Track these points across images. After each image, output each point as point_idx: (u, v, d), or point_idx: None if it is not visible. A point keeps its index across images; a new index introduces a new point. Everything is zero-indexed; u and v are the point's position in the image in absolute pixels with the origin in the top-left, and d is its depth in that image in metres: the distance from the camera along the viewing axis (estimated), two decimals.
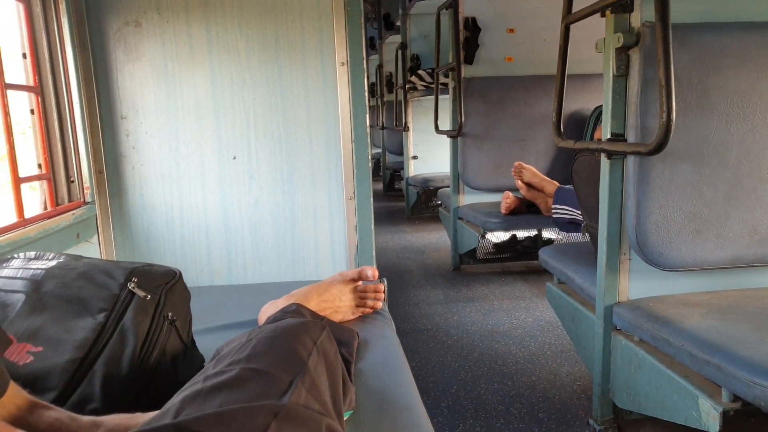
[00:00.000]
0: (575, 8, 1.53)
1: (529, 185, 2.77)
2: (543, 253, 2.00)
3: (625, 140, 1.38)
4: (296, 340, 0.74)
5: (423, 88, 4.81)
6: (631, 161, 1.37)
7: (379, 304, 1.31)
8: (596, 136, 2.71)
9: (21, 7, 1.40)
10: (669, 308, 1.32)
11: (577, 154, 1.86)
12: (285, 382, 0.63)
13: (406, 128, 4.97)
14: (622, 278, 1.46)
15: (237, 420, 0.54)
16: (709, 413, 1.11)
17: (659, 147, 1.18)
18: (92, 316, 0.82)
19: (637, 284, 1.46)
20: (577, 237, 2.76)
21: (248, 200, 1.67)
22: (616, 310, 1.44)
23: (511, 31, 3.20)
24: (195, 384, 0.64)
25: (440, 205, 3.72)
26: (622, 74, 1.37)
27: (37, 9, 1.44)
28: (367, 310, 1.29)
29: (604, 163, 1.44)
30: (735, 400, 1.08)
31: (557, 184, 2.69)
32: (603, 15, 1.40)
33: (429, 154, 5.00)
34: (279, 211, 1.68)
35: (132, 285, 0.86)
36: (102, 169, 1.61)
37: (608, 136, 1.40)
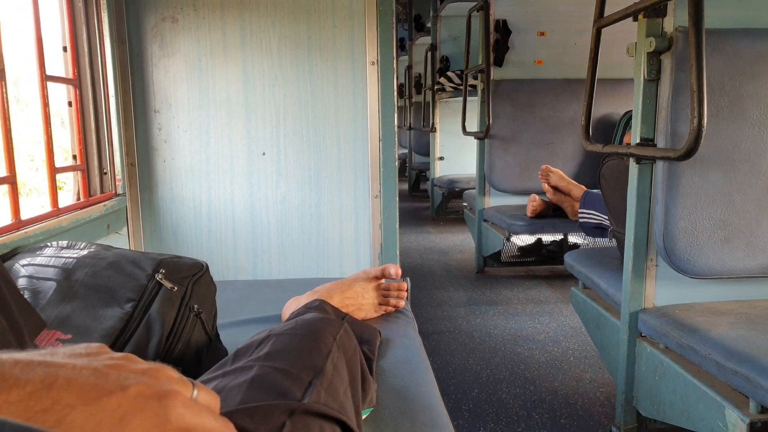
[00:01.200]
0: (607, 12, 1.52)
1: (555, 189, 2.75)
2: (569, 258, 1.98)
3: (655, 145, 1.36)
4: (316, 337, 0.75)
5: (451, 89, 4.80)
6: (660, 166, 1.34)
7: (402, 303, 1.31)
8: (625, 140, 2.67)
9: (64, 1, 1.45)
10: (696, 316, 1.29)
11: (605, 159, 1.83)
12: (304, 381, 0.63)
13: (433, 129, 4.96)
14: (648, 284, 1.44)
15: (253, 417, 0.55)
16: (736, 424, 1.08)
17: (689, 153, 1.16)
18: (120, 306, 0.84)
19: (663, 291, 1.44)
20: (603, 242, 2.73)
21: (275, 196, 1.69)
22: (641, 317, 1.42)
23: (542, 34, 3.18)
24: (212, 379, 0.65)
25: (465, 206, 3.71)
26: (653, 79, 1.35)
27: (79, 3, 1.48)
28: (390, 308, 1.29)
29: (633, 167, 1.42)
30: (762, 412, 1.05)
31: (584, 188, 2.66)
32: (635, 19, 1.38)
33: (455, 156, 4.98)
34: (305, 207, 1.70)
35: (159, 276, 0.88)
36: (134, 162, 1.65)
37: (638, 141, 1.39)
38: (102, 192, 1.57)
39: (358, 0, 1.63)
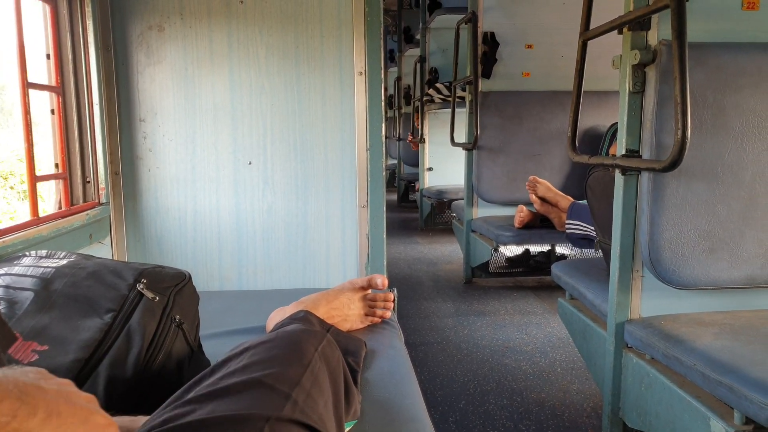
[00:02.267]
0: (593, 25, 1.53)
1: (543, 200, 2.76)
2: (555, 269, 1.98)
3: (640, 156, 1.37)
4: (296, 349, 0.74)
5: (440, 101, 4.83)
6: (645, 178, 1.35)
7: (388, 314, 1.30)
8: (611, 152, 2.69)
9: (48, 8, 1.43)
10: (681, 327, 1.30)
11: (591, 170, 1.84)
12: (281, 393, 0.63)
13: (422, 140, 4.98)
14: (634, 295, 1.44)
15: (226, 426, 0.54)
16: None
17: (674, 164, 1.17)
18: (99, 316, 0.82)
19: (649, 302, 1.44)
20: (590, 253, 2.74)
21: (262, 206, 1.68)
22: (627, 328, 1.42)
23: (530, 46, 3.21)
24: (191, 390, 0.64)
25: (454, 217, 3.72)
26: (638, 91, 1.36)
27: (64, 11, 1.47)
28: (376, 319, 1.28)
29: (619, 179, 1.42)
30: (747, 423, 1.05)
31: (571, 199, 2.67)
32: (620, 32, 1.40)
33: (444, 167, 5.00)
34: (292, 217, 1.69)
35: (141, 286, 0.87)
36: (118, 171, 1.64)
37: (623, 152, 1.40)
38: (85, 201, 1.55)
39: (346, 10, 1.63)
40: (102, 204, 1.59)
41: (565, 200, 2.69)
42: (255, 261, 1.69)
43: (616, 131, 2.93)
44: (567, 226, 2.54)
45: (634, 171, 1.38)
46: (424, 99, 4.85)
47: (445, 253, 4.12)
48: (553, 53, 3.19)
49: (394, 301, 1.48)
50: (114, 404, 0.75)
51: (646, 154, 1.35)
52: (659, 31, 1.32)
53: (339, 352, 0.86)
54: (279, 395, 0.63)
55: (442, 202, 4.79)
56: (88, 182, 1.54)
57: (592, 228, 2.38)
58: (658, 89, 1.30)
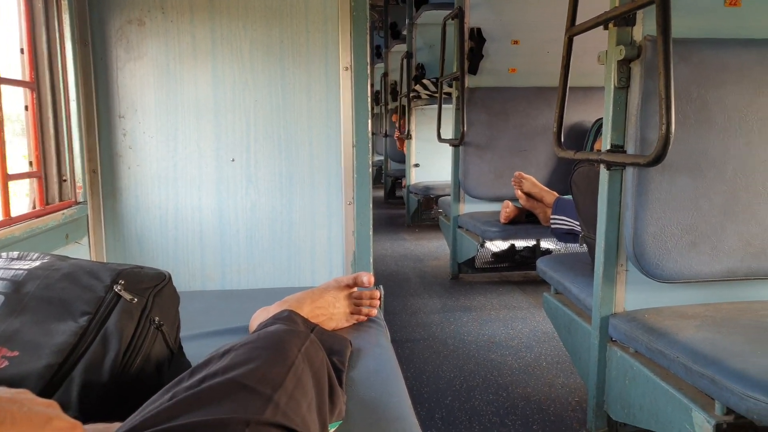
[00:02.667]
0: (579, 21, 1.53)
1: (528, 195, 2.77)
2: (541, 263, 1.98)
3: (625, 152, 1.37)
4: (279, 349, 0.72)
5: (427, 97, 4.82)
6: (629, 173, 1.36)
7: (374, 312, 1.29)
8: (596, 147, 2.70)
9: (22, 2, 1.40)
10: (664, 320, 1.30)
11: (576, 165, 1.85)
12: (263, 395, 0.61)
13: (408, 136, 4.97)
14: (618, 289, 1.45)
15: (207, 431, 0.53)
16: (702, 426, 1.09)
17: (658, 159, 1.17)
18: (74, 320, 0.80)
19: (633, 295, 1.45)
20: (575, 248, 2.75)
21: (245, 204, 1.66)
22: (611, 322, 1.43)
23: (516, 42, 3.21)
24: (169, 392, 0.62)
25: (441, 213, 3.71)
26: (623, 86, 1.36)
27: (39, 5, 1.43)
28: (362, 317, 1.27)
29: (603, 174, 1.43)
30: (728, 413, 1.07)
31: (556, 194, 2.68)
32: (606, 28, 1.40)
33: (430, 163, 4.99)
34: (276, 215, 1.67)
35: (118, 287, 0.84)
36: (96, 169, 1.60)
37: (608, 147, 1.40)
38: (61, 200, 1.51)
39: (332, 5, 1.61)
40: (79, 203, 1.55)
41: (550, 195, 2.69)
42: (238, 260, 1.67)
43: (601, 127, 2.94)
44: (552, 221, 2.55)
45: (619, 166, 1.38)
46: (411, 95, 4.84)
47: (432, 249, 4.12)
48: (539, 49, 3.19)
49: (380, 299, 1.47)
50: (89, 410, 0.73)
51: (630, 149, 1.35)
52: (644, 27, 1.32)
53: (323, 353, 0.85)
54: (260, 398, 0.61)
55: (429, 199, 4.78)
56: (65, 181, 1.51)
57: (577, 223, 2.39)
58: (643, 85, 1.30)
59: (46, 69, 1.45)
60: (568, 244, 2.69)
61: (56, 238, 1.42)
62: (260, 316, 1.20)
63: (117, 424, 0.63)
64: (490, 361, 2.12)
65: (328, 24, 1.62)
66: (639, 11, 1.31)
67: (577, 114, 3.01)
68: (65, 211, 1.45)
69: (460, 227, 3.19)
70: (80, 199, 1.56)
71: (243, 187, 1.66)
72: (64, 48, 1.49)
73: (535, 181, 2.77)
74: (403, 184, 5.59)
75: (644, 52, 1.30)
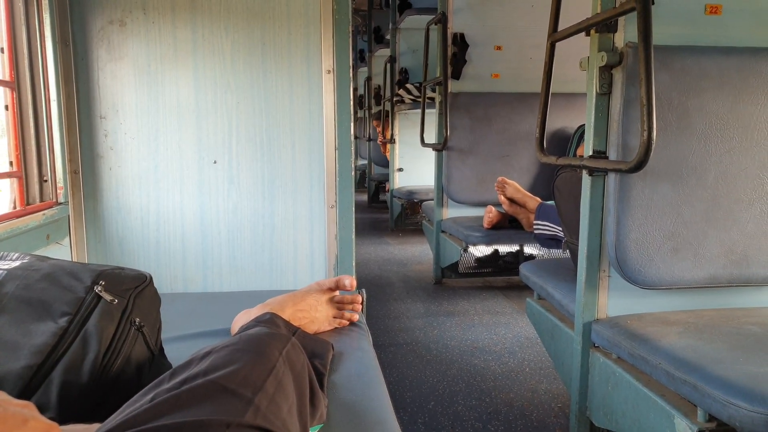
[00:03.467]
0: (561, 27, 1.55)
1: (511, 200, 2.78)
2: (524, 269, 2.00)
3: (607, 158, 1.38)
4: (259, 352, 0.72)
5: (410, 101, 4.83)
6: (611, 179, 1.37)
7: (356, 317, 1.29)
8: (579, 153, 2.73)
9: (1, 1, 1.37)
10: (647, 326, 1.32)
11: (558, 171, 1.86)
12: (243, 397, 0.61)
13: (392, 140, 4.98)
14: (601, 295, 1.46)
15: (191, 430, 0.52)
16: None
17: (640, 165, 1.18)
18: (54, 320, 0.78)
19: (615, 301, 1.46)
20: (558, 253, 2.77)
21: (227, 206, 1.64)
22: (594, 327, 1.44)
23: (499, 48, 3.24)
24: (149, 394, 0.61)
25: (424, 217, 3.72)
26: (605, 93, 1.38)
27: (19, 3, 1.41)
28: (344, 321, 1.27)
29: (586, 179, 1.44)
30: (710, 420, 1.07)
31: (539, 200, 2.70)
32: (588, 34, 1.41)
33: (414, 167, 5.01)
34: (258, 218, 1.66)
35: (99, 288, 0.83)
36: (78, 169, 1.58)
37: (590, 153, 1.41)
38: (42, 200, 1.49)
39: (314, 7, 1.61)
40: (60, 204, 1.52)
41: (533, 201, 2.71)
42: (220, 262, 1.65)
43: (583, 133, 2.98)
44: (535, 226, 2.57)
45: (601, 172, 1.40)
46: (395, 99, 4.85)
47: (416, 253, 4.12)
48: (522, 55, 3.23)
49: (363, 303, 1.46)
50: (68, 411, 0.71)
51: (612, 155, 1.36)
52: (625, 34, 1.34)
53: (304, 356, 0.84)
54: (241, 400, 0.61)
55: (412, 203, 4.79)
56: (46, 181, 1.48)
57: (560, 228, 2.41)
58: (625, 91, 1.32)
59: (26, 68, 1.42)
60: (551, 250, 2.71)
61: (37, 238, 1.39)
62: (242, 318, 1.19)
63: (96, 425, 0.62)
64: (473, 366, 2.12)
65: (310, 27, 1.62)
66: (620, 18, 1.32)
67: (560, 120, 3.05)
68: (46, 211, 1.43)
69: (443, 232, 3.20)
70: (61, 199, 1.53)
71: (225, 189, 1.64)
72: (45, 47, 1.46)
73: (518, 187, 2.78)
74: (386, 188, 5.60)
75: (626, 59, 1.32)
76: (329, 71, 1.63)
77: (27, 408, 0.48)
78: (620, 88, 1.33)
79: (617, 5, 1.30)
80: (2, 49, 1.37)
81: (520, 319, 2.63)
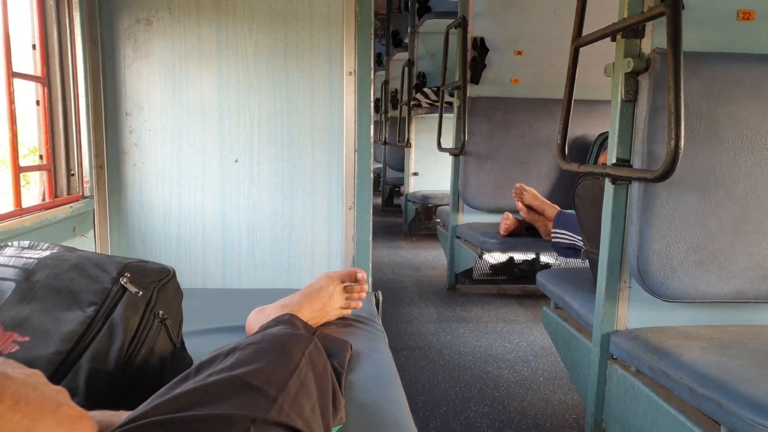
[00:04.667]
0: (585, 32, 1.53)
1: (529, 208, 2.76)
2: (541, 277, 1.98)
3: (631, 166, 1.37)
4: (283, 352, 0.72)
5: (427, 105, 4.83)
6: (635, 188, 1.35)
7: (360, 304, 1.30)
8: (601, 161, 2.71)
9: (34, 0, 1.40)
10: (668, 340, 1.30)
11: (580, 179, 1.85)
12: (268, 395, 0.62)
13: (408, 144, 4.98)
14: (621, 306, 1.44)
15: (211, 424, 0.53)
16: None
17: (666, 174, 1.17)
18: (82, 309, 0.80)
19: (636, 313, 1.44)
20: (575, 263, 2.75)
21: (247, 204, 1.65)
22: (613, 339, 1.42)
23: (519, 53, 3.22)
24: (176, 388, 0.62)
25: (439, 222, 3.71)
26: (631, 99, 1.36)
27: (50, 2, 1.43)
28: (348, 311, 1.28)
29: (608, 188, 1.42)
30: None
31: (558, 208, 2.68)
32: (613, 39, 1.40)
33: (429, 171, 5.00)
34: (277, 216, 1.66)
35: (124, 280, 0.84)
36: (103, 165, 1.60)
37: (614, 161, 1.39)
38: (69, 193, 1.51)
39: (337, 9, 1.62)
40: (86, 197, 1.55)
41: (552, 209, 2.69)
42: (239, 259, 1.66)
43: (604, 141, 2.95)
44: (553, 234, 2.55)
45: (625, 180, 1.38)
46: (412, 103, 4.85)
47: (429, 258, 4.11)
48: (543, 60, 3.21)
49: (378, 305, 1.47)
50: (95, 398, 0.73)
51: (636, 163, 1.35)
52: (653, 40, 1.32)
53: (325, 357, 0.84)
54: (265, 398, 0.61)
55: (427, 208, 4.78)
56: (73, 175, 1.50)
57: (578, 237, 2.39)
58: (651, 98, 1.30)
59: (57, 65, 1.45)
60: (568, 259, 2.69)
61: (64, 230, 1.42)
62: (256, 316, 1.20)
63: (124, 413, 0.63)
64: (486, 373, 2.11)
65: (332, 28, 1.63)
66: (648, 23, 1.31)
67: (581, 127, 3.02)
68: (73, 204, 1.45)
69: (458, 237, 3.18)
70: (87, 193, 1.56)
71: (246, 187, 1.65)
72: (75, 45, 1.49)
73: (536, 194, 2.76)
74: (400, 192, 5.59)
75: (653, 65, 1.30)
76: (350, 73, 1.63)
77: (61, 394, 0.49)
78: (646, 95, 1.32)
79: (645, 10, 1.28)
80: (34, 45, 1.39)
81: (535, 327, 2.61)
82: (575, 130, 3.04)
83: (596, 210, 1.54)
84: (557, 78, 3.10)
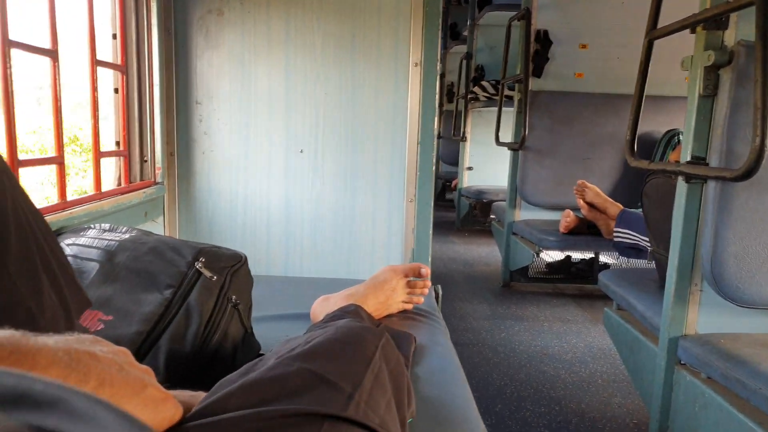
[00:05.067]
0: (660, 24, 1.47)
1: (591, 205, 2.69)
2: (603, 277, 1.92)
3: (707, 164, 1.30)
4: (357, 346, 0.71)
5: (485, 99, 4.76)
6: (711, 187, 1.29)
7: (422, 300, 1.30)
8: (672, 158, 2.60)
9: None
10: (744, 347, 1.23)
11: (648, 176, 1.78)
12: (344, 392, 0.60)
13: (464, 138, 4.93)
14: (691, 310, 1.38)
15: (285, 421, 0.52)
16: None
17: (748, 173, 1.11)
18: (160, 292, 0.83)
19: (707, 318, 1.38)
20: (637, 263, 2.65)
21: (311, 194, 1.68)
22: (681, 344, 1.37)
23: (584, 46, 3.12)
24: (247, 376, 0.62)
25: (493, 218, 3.66)
26: (710, 95, 1.30)
27: None
28: (409, 306, 1.28)
29: (681, 187, 1.36)
30: None
31: (621, 206, 2.59)
32: (693, 31, 1.33)
33: (484, 166, 4.94)
34: (339, 207, 1.68)
35: (199, 264, 0.87)
36: (173, 152, 1.66)
37: (688, 159, 1.34)
38: (141, 179, 1.57)
39: (405, 0, 1.61)
40: (157, 183, 1.61)
41: (615, 207, 2.61)
42: (302, 248, 1.69)
43: (671, 138, 2.83)
44: (615, 234, 2.47)
45: (700, 179, 1.32)
46: (469, 96, 4.79)
47: (482, 254, 4.07)
48: (608, 54, 3.10)
49: (438, 299, 1.46)
50: (175, 378, 0.75)
51: (714, 161, 1.29)
52: (737, 31, 1.25)
53: (398, 351, 0.84)
54: (342, 394, 0.60)
55: (482, 203, 4.71)
56: (145, 161, 1.57)
57: (642, 237, 2.30)
58: (733, 93, 1.23)
59: (134, 54, 1.50)
60: (629, 259, 2.60)
61: (136, 214, 1.48)
62: (321, 304, 1.21)
63: (201, 393, 0.64)
64: (542, 372, 2.07)
65: (399, 19, 1.62)
66: (733, 14, 1.24)
67: (646, 124, 2.91)
68: (146, 189, 1.51)
69: (514, 234, 3.13)
70: (159, 179, 1.62)
71: (309, 178, 1.68)
72: (151, 34, 1.54)
73: (598, 191, 2.68)
74: (453, 186, 5.55)
75: (737, 58, 1.23)
76: (416, 64, 1.63)
77: (147, 374, 0.49)
78: (728, 89, 1.25)
79: (731, 0, 1.21)
80: (114, 35, 1.45)
81: (593, 328, 2.54)
82: (641, 127, 2.92)
83: (666, 209, 1.48)
84: (623, 72, 2.99)
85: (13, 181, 0.55)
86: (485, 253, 4.11)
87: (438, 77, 1.65)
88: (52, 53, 1.08)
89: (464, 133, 4.92)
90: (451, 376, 0.98)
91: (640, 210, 1.93)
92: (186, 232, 1.69)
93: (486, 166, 4.94)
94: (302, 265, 1.70)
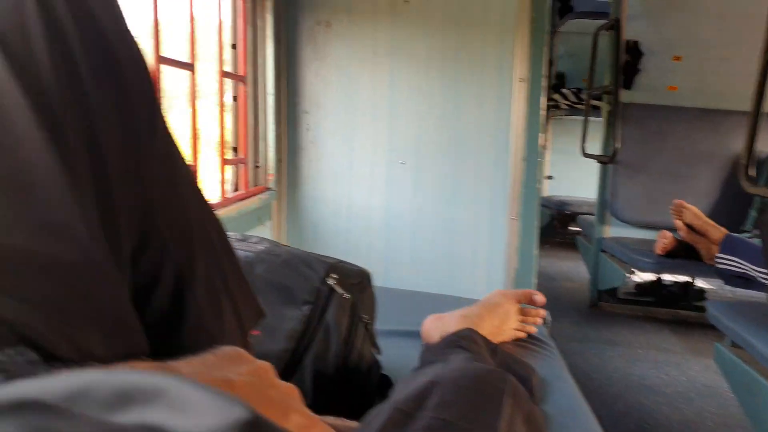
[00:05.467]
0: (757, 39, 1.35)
1: (689, 227, 2.53)
2: (713, 308, 1.79)
3: None
4: (485, 391, 0.67)
5: (566, 107, 4.62)
6: None
7: (534, 329, 1.24)
8: None
9: (239, 2, 1.49)
10: None
11: (766, 204, 1.65)
12: None
13: (543, 146, 4.80)
14: None
15: None
16: None
17: None
18: (298, 308, 0.82)
19: None
20: (743, 293, 2.48)
21: (412, 207, 1.66)
22: None
23: (678, 59, 2.96)
24: (398, 417, 0.59)
25: (579, 232, 3.53)
26: None
27: (248, 5, 1.53)
28: (522, 334, 1.22)
29: None
30: None
31: (724, 230, 2.43)
32: None
33: (565, 176, 4.79)
34: (440, 221, 1.66)
35: (332, 281, 0.86)
36: (283, 159, 1.69)
37: None
38: (255, 185, 1.61)
39: (510, 16, 1.57)
40: (269, 189, 1.64)
41: (717, 231, 2.44)
42: (402, 260, 1.68)
43: None
44: (718, 260, 2.31)
45: None
46: (549, 104, 4.67)
47: (564, 269, 3.92)
48: (704, 68, 2.92)
49: (547, 325, 1.40)
50: (321, 400, 0.74)
51: None
52: None
53: (526, 394, 0.79)
54: None
55: (564, 214, 4.54)
56: (258, 167, 1.60)
57: (751, 266, 2.15)
58: None
59: (251, 64, 1.54)
60: (735, 289, 2.43)
61: (251, 220, 1.51)
62: (434, 322, 1.18)
63: (349, 422, 0.62)
64: (642, 406, 1.96)
65: (504, 33, 1.59)
66: None
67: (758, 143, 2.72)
68: (260, 195, 1.55)
69: (603, 251, 3.00)
70: (270, 185, 1.65)
71: (410, 190, 1.66)
72: (265, 45, 1.58)
73: (698, 213, 2.52)
74: None
75: None
76: (522, 79, 1.59)
77: (291, 394, 0.44)
78: None
79: None
80: (234, 45, 1.49)
81: (694, 361, 2.38)
82: (739, 146, 2.74)
83: None
84: (722, 87, 2.82)
85: (200, 192, 0.51)
86: (567, 268, 3.97)
87: (543, 93, 1.60)
88: (190, 66, 1.11)
89: (545, 140, 4.79)
90: (584, 420, 0.92)
91: (748, 235, 1.79)
92: (291, 238, 1.72)
93: (567, 175, 4.79)
94: (402, 278, 1.69)
